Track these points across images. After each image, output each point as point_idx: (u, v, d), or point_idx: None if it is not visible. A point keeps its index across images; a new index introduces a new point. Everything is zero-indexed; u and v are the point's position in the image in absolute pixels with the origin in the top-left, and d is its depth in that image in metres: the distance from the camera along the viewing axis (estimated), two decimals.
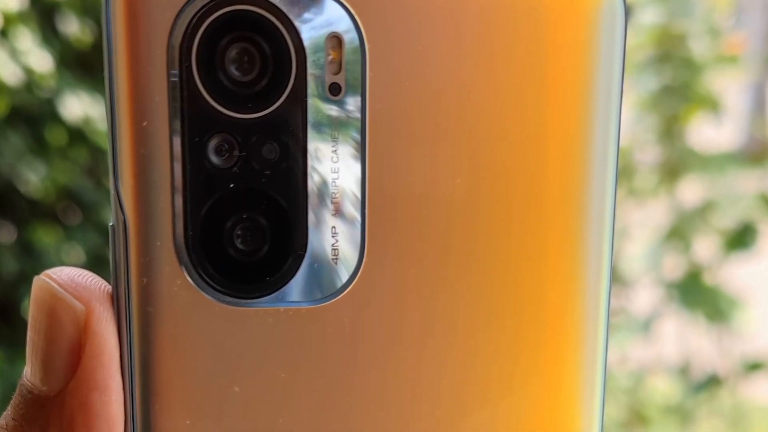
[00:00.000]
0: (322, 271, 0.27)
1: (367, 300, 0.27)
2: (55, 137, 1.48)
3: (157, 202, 0.26)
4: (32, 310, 0.27)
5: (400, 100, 0.27)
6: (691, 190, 1.93)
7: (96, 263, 1.47)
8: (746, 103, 3.16)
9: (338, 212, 0.27)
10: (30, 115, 1.43)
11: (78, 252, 1.49)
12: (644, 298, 1.97)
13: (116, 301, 0.27)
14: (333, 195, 0.27)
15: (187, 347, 0.27)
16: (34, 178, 1.41)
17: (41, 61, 1.38)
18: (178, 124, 0.26)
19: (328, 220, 0.27)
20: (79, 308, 0.26)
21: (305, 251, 0.27)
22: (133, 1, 0.26)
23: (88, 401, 0.26)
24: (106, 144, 0.41)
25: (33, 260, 1.41)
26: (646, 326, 1.90)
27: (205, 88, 0.26)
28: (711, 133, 2.07)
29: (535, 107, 0.27)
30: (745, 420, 2.03)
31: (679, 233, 1.86)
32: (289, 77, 0.26)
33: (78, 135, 1.48)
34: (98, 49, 1.49)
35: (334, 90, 0.27)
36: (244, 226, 0.27)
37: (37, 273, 0.27)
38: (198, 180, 0.26)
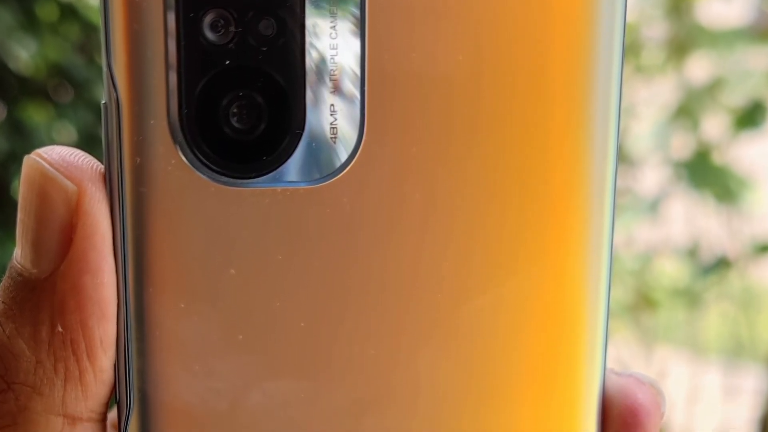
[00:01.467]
0: (321, 150, 0.27)
1: (367, 180, 0.27)
2: (46, 13, 1.46)
3: (150, 79, 0.26)
4: (22, 190, 0.27)
5: None
6: (699, 67, 1.91)
7: (88, 142, 1.46)
8: None
9: (337, 90, 0.27)
10: None
11: (69, 131, 1.49)
12: (651, 178, 1.96)
13: (109, 182, 0.27)
14: (331, 72, 0.27)
15: (182, 228, 0.27)
16: (24, 55, 1.40)
17: None
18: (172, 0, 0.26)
19: (327, 98, 0.27)
20: (70, 188, 0.26)
21: (303, 129, 0.27)
22: None
23: (79, 284, 0.26)
24: (98, 20, 0.40)
25: (23, 139, 1.41)
26: (654, 207, 1.90)
27: None
28: (720, 9, 2.04)
29: None
30: (755, 303, 2.05)
31: (687, 111, 1.85)
32: None
33: (70, 10, 1.47)
34: None
35: None
36: (240, 104, 0.27)
37: (28, 152, 0.27)
38: (193, 56, 0.26)
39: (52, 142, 1.30)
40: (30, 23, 1.43)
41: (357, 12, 0.26)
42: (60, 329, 0.26)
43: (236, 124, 0.27)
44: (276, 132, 0.27)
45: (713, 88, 1.88)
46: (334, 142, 0.27)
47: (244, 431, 0.27)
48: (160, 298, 0.27)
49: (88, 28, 1.50)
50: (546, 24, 0.27)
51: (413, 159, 0.27)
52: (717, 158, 1.90)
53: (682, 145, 1.92)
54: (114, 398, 0.27)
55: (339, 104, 0.27)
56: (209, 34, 0.26)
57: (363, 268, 0.28)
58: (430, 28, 0.27)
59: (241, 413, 0.27)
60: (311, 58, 0.27)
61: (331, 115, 0.27)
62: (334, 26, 0.26)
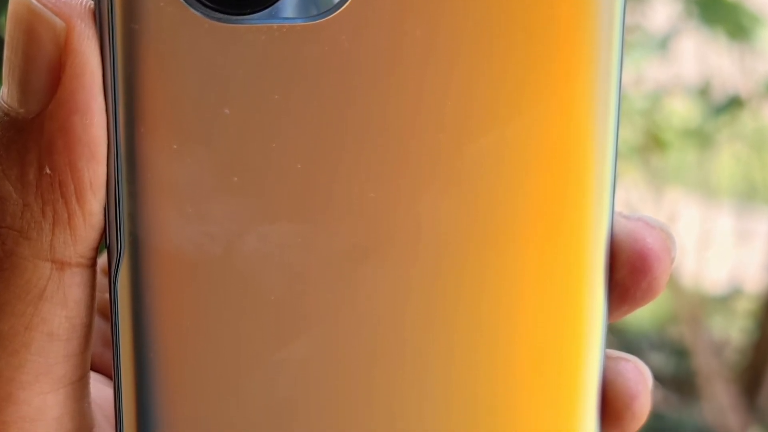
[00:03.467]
0: None
1: (366, 16, 0.27)
2: None
3: None
4: (9, 27, 0.26)
5: None
6: None
7: None
8: None
9: None
10: None
11: None
12: (661, 13, 1.95)
13: (98, 18, 0.26)
14: None
15: (174, 67, 0.27)
16: None
17: None
18: None
19: None
20: (59, 25, 0.26)
21: None
22: None
23: (68, 124, 0.26)
24: None
25: None
26: (664, 44, 1.89)
27: None
28: None
29: None
30: None
31: None
32: None
33: None
34: None
35: None
36: None
37: None
38: None
39: None
40: None
41: None
42: (48, 171, 0.26)
43: None
44: None
45: None
46: None
47: (239, 277, 0.27)
48: (152, 139, 0.27)
49: None
50: None
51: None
52: None
53: None
54: (104, 243, 0.27)
55: None
56: None
57: (362, 107, 0.27)
58: None
59: (235, 258, 0.27)
60: None
61: None
62: None
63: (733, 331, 2.36)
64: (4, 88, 0.27)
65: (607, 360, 0.31)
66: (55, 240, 0.26)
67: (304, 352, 0.28)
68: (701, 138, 1.98)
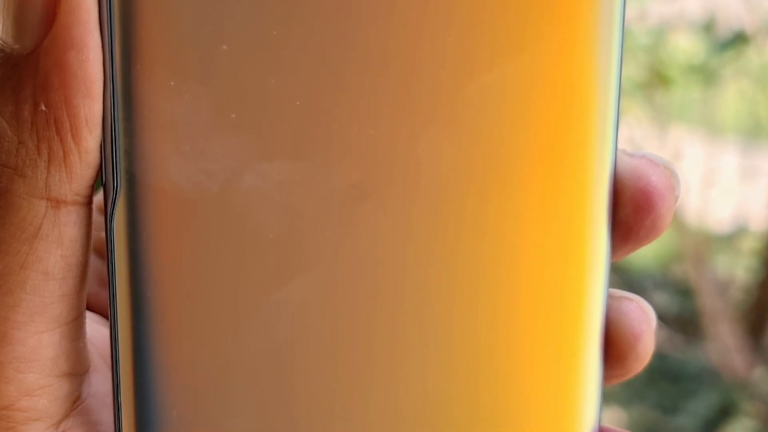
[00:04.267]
0: None
1: None
2: None
3: None
4: None
5: None
6: None
7: None
8: None
9: None
10: None
11: None
12: None
13: None
14: None
15: (172, 2, 0.26)
16: None
17: None
18: None
19: None
20: None
21: None
22: None
23: (64, 60, 0.26)
24: None
25: None
26: None
27: None
28: None
29: None
30: None
31: None
32: None
33: None
34: None
35: None
36: None
37: None
38: None
39: None
40: None
41: None
42: (43, 108, 0.26)
43: None
44: None
45: None
46: None
47: (237, 215, 0.27)
48: (149, 76, 0.27)
49: None
50: None
51: None
52: None
53: None
54: (100, 181, 0.27)
55: None
56: None
57: (362, 43, 0.27)
58: None
59: (233, 196, 0.27)
60: None
61: None
62: None
63: (738, 270, 2.36)
64: None
65: (610, 299, 0.31)
66: (51, 178, 0.26)
67: (303, 292, 0.28)
68: (706, 74, 1.97)
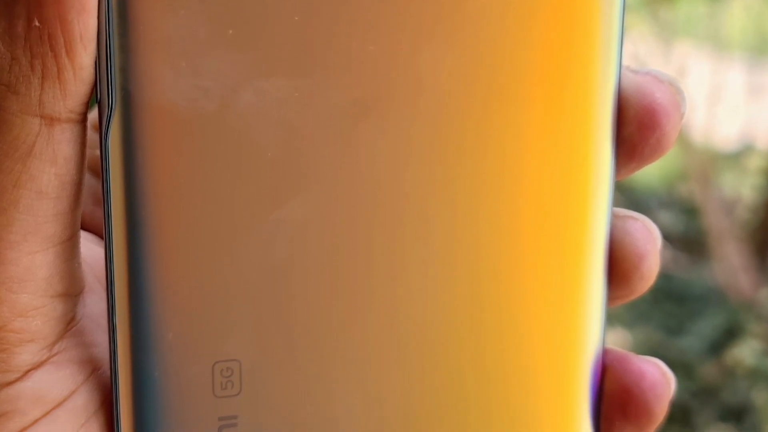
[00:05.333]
0: None
1: None
2: None
3: None
4: None
5: None
6: None
7: None
8: None
9: None
10: None
11: None
12: None
13: None
14: None
15: None
16: None
17: None
18: None
19: None
20: None
21: None
22: None
23: None
24: None
25: None
26: None
27: None
28: None
29: None
30: None
31: None
32: None
33: None
34: None
35: None
36: None
37: None
38: None
39: None
40: None
41: None
42: (37, 24, 0.26)
43: None
44: None
45: None
46: None
47: (234, 133, 0.27)
48: None
49: None
50: None
51: None
52: None
53: None
54: (95, 98, 0.27)
55: None
56: None
57: None
58: None
59: (230, 114, 0.27)
60: None
61: None
62: None
63: (744, 188, 2.37)
64: None
65: (614, 219, 0.31)
66: (44, 95, 0.26)
67: (302, 211, 0.28)
68: None
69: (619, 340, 2.10)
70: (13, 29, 0.26)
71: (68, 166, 0.27)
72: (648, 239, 0.31)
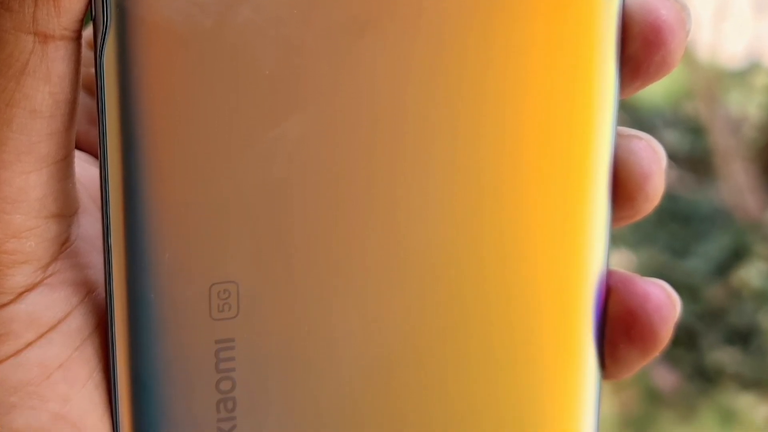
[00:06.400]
0: None
1: None
2: None
3: None
4: None
5: None
6: None
7: None
8: None
9: None
10: None
11: None
12: None
13: None
14: None
15: None
16: None
17: None
18: None
19: None
20: None
21: None
22: None
23: None
24: None
25: None
26: None
27: None
28: None
29: None
30: None
31: None
32: None
33: None
34: None
35: None
36: None
37: None
38: None
39: None
40: None
41: None
42: None
43: None
44: None
45: None
46: None
47: (231, 50, 0.27)
48: None
49: None
50: None
51: None
52: None
53: None
54: (89, 15, 0.27)
55: None
56: None
57: None
58: None
59: (227, 30, 0.27)
60: None
61: None
62: None
63: (750, 107, 2.36)
64: None
65: (618, 138, 0.31)
66: (38, 11, 0.26)
67: (300, 129, 0.28)
68: None
69: (624, 262, 2.11)
70: None
71: (62, 85, 0.27)
72: (653, 159, 0.31)
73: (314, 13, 0.27)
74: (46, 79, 0.26)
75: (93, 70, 0.27)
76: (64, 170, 0.28)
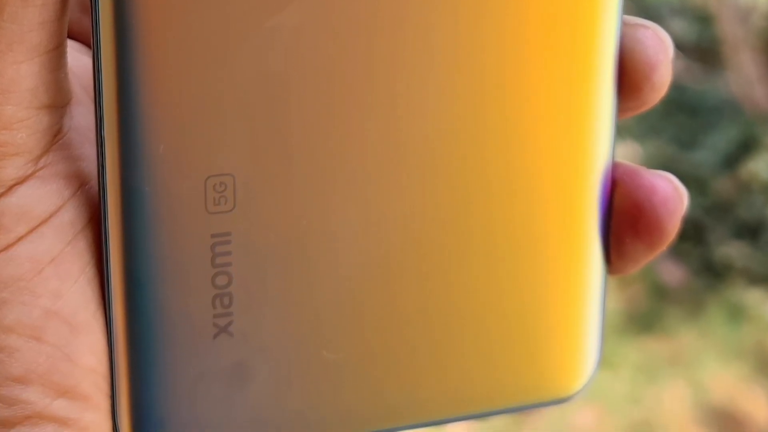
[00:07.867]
0: None
1: None
2: None
3: None
4: None
5: None
6: None
7: None
8: None
9: None
10: None
11: None
12: None
13: None
14: None
15: None
16: None
17: None
18: None
19: None
20: None
21: None
22: None
23: None
24: None
25: None
26: None
27: None
28: None
29: None
30: None
31: None
32: None
33: None
34: None
35: None
36: None
37: None
38: None
39: None
40: None
41: None
42: None
43: None
44: None
45: None
46: None
47: None
48: None
49: None
50: None
51: None
52: None
53: None
54: None
55: None
56: None
57: None
58: None
59: None
60: None
61: None
62: None
63: None
64: None
65: (624, 27, 0.31)
66: None
67: (298, 18, 0.28)
68: None
69: (630, 154, 2.11)
70: None
71: None
72: (659, 48, 0.31)
73: None
74: None
75: None
76: (56, 60, 0.28)
